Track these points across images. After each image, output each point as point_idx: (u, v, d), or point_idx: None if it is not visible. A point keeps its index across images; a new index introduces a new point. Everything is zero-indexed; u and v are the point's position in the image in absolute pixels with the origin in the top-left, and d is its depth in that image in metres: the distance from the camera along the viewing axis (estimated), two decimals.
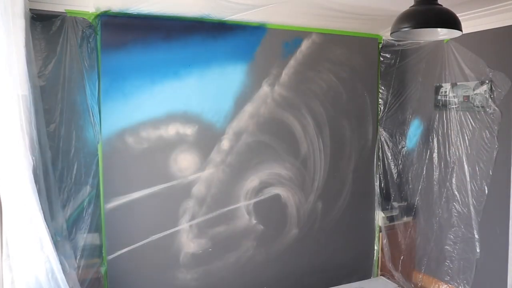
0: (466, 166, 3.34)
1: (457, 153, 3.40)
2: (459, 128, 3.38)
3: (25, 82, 2.06)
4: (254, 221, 3.27)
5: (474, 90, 3.24)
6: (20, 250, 1.95)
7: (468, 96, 3.29)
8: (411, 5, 2.09)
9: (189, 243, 3.03)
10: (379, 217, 3.80)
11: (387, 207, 3.81)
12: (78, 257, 2.69)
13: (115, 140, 2.79)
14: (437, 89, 3.56)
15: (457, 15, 2.04)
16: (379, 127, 3.78)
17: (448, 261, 3.51)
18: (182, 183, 2.99)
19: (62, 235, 2.55)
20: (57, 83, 2.62)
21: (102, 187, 2.77)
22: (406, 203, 3.87)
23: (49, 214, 2.30)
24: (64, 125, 2.65)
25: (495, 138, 3.11)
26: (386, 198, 3.82)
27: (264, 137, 3.27)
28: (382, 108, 3.79)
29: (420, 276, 3.79)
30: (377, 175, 3.80)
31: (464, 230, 3.36)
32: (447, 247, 3.51)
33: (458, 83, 3.37)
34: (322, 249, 3.56)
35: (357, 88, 3.63)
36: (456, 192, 3.41)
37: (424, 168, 3.72)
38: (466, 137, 3.32)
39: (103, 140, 2.75)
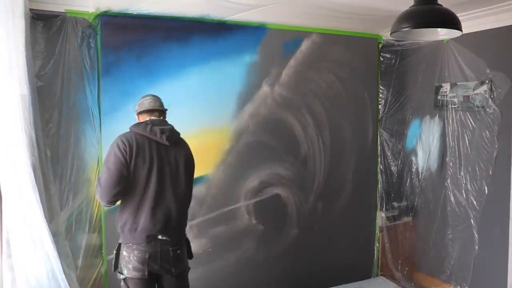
0: (466, 166, 3.34)
1: (457, 153, 3.40)
2: (459, 128, 3.38)
3: (25, 82, 2.06)
4: (254, 221, 3.27)
5: (474, 90, 3.24)
6: (21, 250, 1.96)
7: (468, 96, 3.29)
8: (411, 5, 2.09)
9: None
10: (379, 217, 3.80)
11: (387, 207, 3.81)
12: (78, 257, 2.69)
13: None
14: (437, 89, 3.56)
15: (457, 15, 2.04)
16: (379, 127, 3.78)
17: (448, 261, 3.50)
18: None
19: (62, 235, 2.55)
20: (57, 83, 2.62)
21: None
22: (406, 203, 3.87)
23: (49, 214, 2.30)
24: (64, 125, 2.65)
25: (495, 138, 3.11)
26: (386, 198, 3.82)
27: (264, 137, 3.27)
28: (382, 108, 3.79)
29: (420, 275, 3.79)
30: (377, 175, 3.81)
31: (464, 230, 3.36)
32: (446, 246, 3.51)
33: (458, 83, 3.37)
34: (322, 249, 3.56)
35: (357, 88, 3.62)
36: (456, 192, 3.41)
37: (424, 168, 3.72)
38: (466, 137, 3.32)
39: (103, 140, 2.74)
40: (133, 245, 2.12)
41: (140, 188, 2.11)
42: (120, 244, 2.19)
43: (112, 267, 2.21)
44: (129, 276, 2.12)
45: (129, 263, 2.12)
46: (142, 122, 2.21)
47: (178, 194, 2.23)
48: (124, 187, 2.07)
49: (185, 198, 2.30)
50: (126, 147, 2.07)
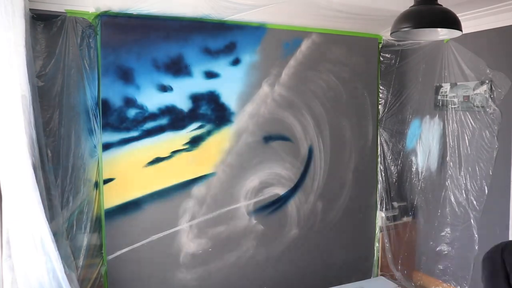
0: (466, 166, 3.34)
1: (457, 153, 3.40)
2: (459, 128, 3.38)
3: (25, 82, 2.06)
4: (254, 221, 3.27)
5: (474, 90, 3.24)
6: (22, 250, 1.95)
7: (468, 96, 3.29)
8: (411, 5, 2.09)
9: (189, 243, 3.04)
10: (379, 217, 3.80)
11: (387, 207, 3.81)
12: (79, 257, 2.69)
13: (115, 140, 2.79)
14: (437, 89, 3.56)
15: (457, 15, 2.04)
16: (379, 127, 3.78)
17: (448, 261, 3.51)
18: (182, 183, 2.99)
19: (62, 235, 2.55)
20: (57, 83, 2.62)
21: (102, 187, 2.77)
22: (406, 203, 3.87)
23: (49, 214, 2.30)
24: (64, 125, 2.65)
25: (495, 138, 3.12)
26: (386, 198, 3.82)
27: (264, 137, 3.27)
28: (382, 108, 3.79)
29: (420, 275, 3.79)
30: (377, 175, 3.81)
31: (464, 230, 3.36)
32: (446, 246, 3.51)
33: (458, 83, 3.37)
34: (322, 249, 3.56)
35: (357, 88, 3.63)
36: (456, 192, 3.42)
37: (424, 168, 3.72)
38: (466, 137, 3.32)
39: (103, 140, 2.75)
40: None
41: None
42: None
43: None
44: None
45: None
46: None
47: None
48: None
49: None
50: None
